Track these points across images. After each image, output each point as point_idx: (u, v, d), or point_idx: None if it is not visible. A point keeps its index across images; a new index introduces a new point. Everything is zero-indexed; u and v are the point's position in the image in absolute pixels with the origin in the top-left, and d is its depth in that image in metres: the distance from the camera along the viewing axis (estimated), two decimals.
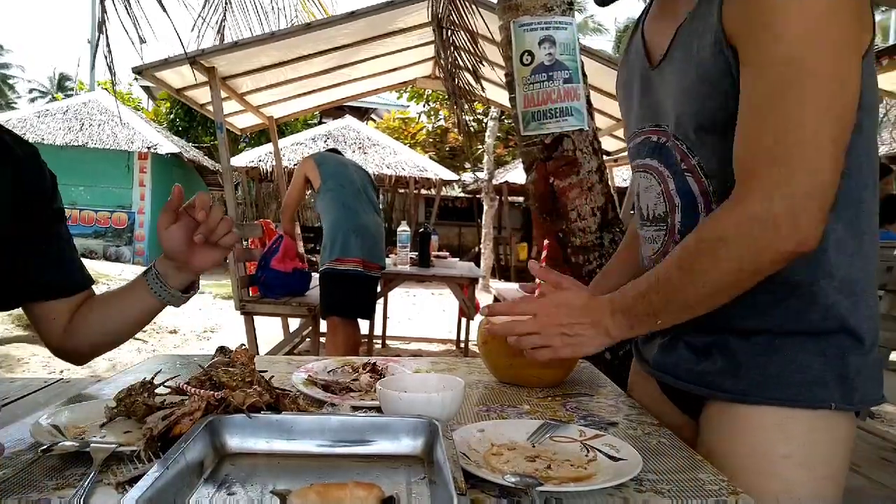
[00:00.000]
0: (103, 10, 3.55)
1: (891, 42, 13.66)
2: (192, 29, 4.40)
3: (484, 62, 3.63)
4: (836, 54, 0.77)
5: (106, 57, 3.61)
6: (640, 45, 1.05)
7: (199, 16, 4.54)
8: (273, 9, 5.28)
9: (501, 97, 5.87)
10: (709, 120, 0.89)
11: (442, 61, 3.68)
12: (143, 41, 3.54)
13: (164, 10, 3.52)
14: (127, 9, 3.56)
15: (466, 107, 4.00)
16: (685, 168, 0.96)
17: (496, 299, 6.03)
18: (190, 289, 1.13)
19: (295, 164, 10.93)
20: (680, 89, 0.93)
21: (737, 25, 0.82)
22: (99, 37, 3.55)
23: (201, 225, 1.02)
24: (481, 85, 3.87)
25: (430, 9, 3.54)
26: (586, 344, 0.95)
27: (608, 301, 0.94)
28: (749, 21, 0.80)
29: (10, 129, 1.11)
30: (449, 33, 3.57)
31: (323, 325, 4.42)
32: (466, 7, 3.50)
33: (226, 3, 4.93)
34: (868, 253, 0.90)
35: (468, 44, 3.55)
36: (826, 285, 0.88)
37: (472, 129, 14.67)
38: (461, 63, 3.62)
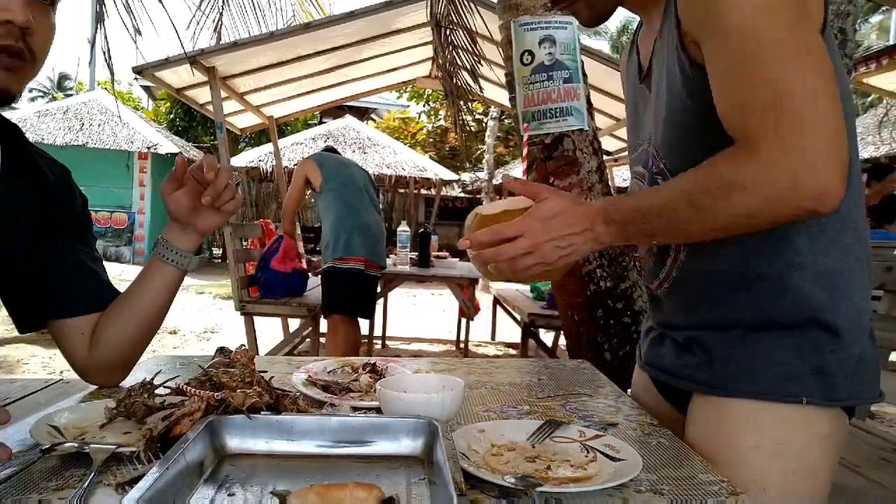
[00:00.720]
0: (102, 4, 3.54)
1: (890, 42, 13.66)
2: (188, 27, 4.39)
3: (483, 61, 3.63)
4: (794, 22, 0.78)
5: (104, 53, 3.60)
6: (636, 60, 1.08)
7: (196, 14, 4.54)
8: (269, 4, 5.28)
9: (501, 97, 5.87)
10: (679, 134, 0.92)
11: (440, 60, 3.67)
12: (138, 32, 3.54)
13: (163, 5, 3.52)
14: (126, 5, 3.56)
15: (465, 106, 4.00)
16: (655, 171, 1.00)
17: (496, 300, 6.02)
18: (199, 252, 1.14)
19: (295, 165, 10.97)
20: (661, 100, 0.96)
21: (692, 14, 0.84)
22: (96, 31, 3.54)
23: (210, 187, 1.03)
24: (479, 85, 3.87)
25: (428, 8, 3.54)
26: (579, 251, 0.93)
27: (601, 210, 0.91)
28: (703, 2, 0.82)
29: (43, 151, 1.12)
30: (447, 32, 3.57)
31: (323, 325, 4.42)
32: (465, 6, 3.50)
33: (223, 2, 4.93)
34: (850, 244, 0.89)
35: (467, 43, 3.55)
36: (797, 277, 0.88)
37: (471, 128, 14.68)
38: (459, 62, 3.62)
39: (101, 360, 1.11)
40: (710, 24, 0.81)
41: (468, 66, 3.63)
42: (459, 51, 3.62)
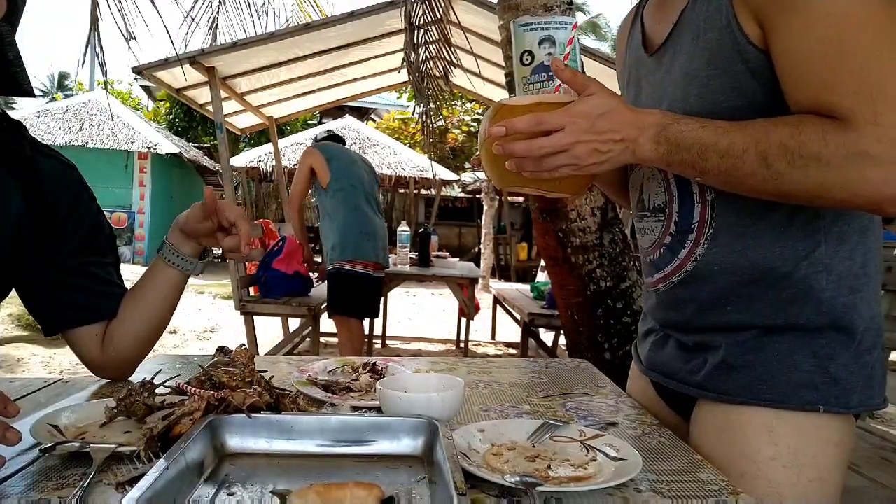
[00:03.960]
0: (96, 7, 3.54)
1: None
2: (181, 26, 4.39)
3: (478, 59, 3.62)
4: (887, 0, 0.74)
5: (97, 55, 3.60)
6: (639, 34, 1.04)
7: (192, 14, 4.54)
8: (264, 4, 5.27)
9: (501, 97, 5.86)
10: (712, 102, 0.86)
11: (412, 59, 3.64)
12: (132, 36, 3.54)
13: (156, 7, 3.52)
14: (119, 9, 3.56)
15: (435, 106, 3.96)
16: None
17: (496, 299, 6.02)
18: (204, 255, 1.18)
19: (295, 164, 10.96)
20: (683, 74, 0.90)
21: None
22: (90, 33, 3.54)
23: (237, 241, 1.07)
24: (449, 83, 3.83)
25: (402, 11, 3.51)
26: (614, 161, 0.84)
27: (657, 124, 0.82)
28: None
29: (52, 151, 1.12)
30: (420, 33, 3.54)
31: (323, 326, 4.43)
32: (439, 4, 3.46)
33: (220, 2, 4.93)
34: (872, 248, 0.88)
35: (441, 43, 3.51)
36: (822, 279, 0.85)
37: (470, 128, 14.67)
38: (432, 63, 3.58)
39: (114, 357, 1.14)
40: (788, 1, 0.77)
41: (444, 63, 3.59)
42: (433, 45, 3.59)
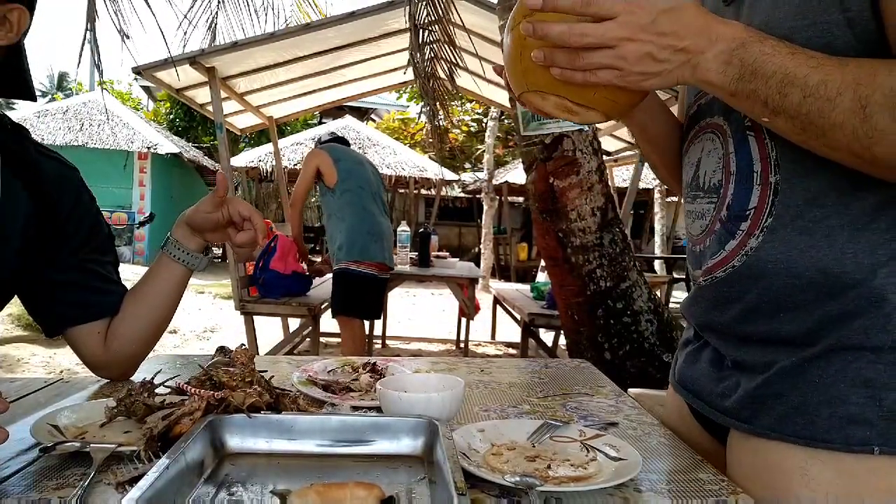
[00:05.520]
0: (93, 7, 3.54)
1: None
2: (180, 26, 4.39)
3: (478, 59, 3.62)
4: None
5: (94, 55, 3.60)
6: None
7: (192, 14, 4.54)
8: (264, 4, 5.27)
9: (501, 97, 5.87)
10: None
11: (416, 62, 3.65)
12: (127, 36, 3.54)
13: (150, 7, 3.53)
14: (116, 10, 3.57)
15: (442, 108, 3.97)
16: (748, 125, 0.78)
17: (496, 299, 6.02)
18: (207, 251, 1.19)
19: (295, 165, 10.99)
20: (764, 23, 0.73)
21: None
22: (86, 33, 3.54)
23: (252, 235, 1.10)
24: (454, 84, 3.83)
25: (406, 12, 3.52)
26: (667, 76, 0.68)
27: (736, 38, 0.66)
28: None
29: (53, 153, 1.12)
30: (425, 34, 3.55)
31: (323, 325, 4.42)
32: (443, 4, 3.47)
33: (219, 2, 4.93)
34: None
35: (444, 43, 3.53)
36: (895, 288, 0.69)
37: (470, 128, 14.68)
38: (437, 64, 3.59)
39: (116, 355, 1.14)
40: None
41: (448, 64, 3.60)
42: (439, 45, 3.60)
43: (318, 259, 4.72)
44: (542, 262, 4.78)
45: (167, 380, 0.97)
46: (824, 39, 0.68)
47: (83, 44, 3.52)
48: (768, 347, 0.77)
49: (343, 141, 4.10)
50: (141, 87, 19.22)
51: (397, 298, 8.90)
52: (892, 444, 0.68)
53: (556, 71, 0.70)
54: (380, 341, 5.98)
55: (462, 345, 5.80)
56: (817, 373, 0.73)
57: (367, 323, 4.38)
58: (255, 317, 4.28)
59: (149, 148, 12.10)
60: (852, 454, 0.70)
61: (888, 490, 0.69)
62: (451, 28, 3.61)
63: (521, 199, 15.37)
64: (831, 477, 0.71)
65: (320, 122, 15.70)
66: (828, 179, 0.72)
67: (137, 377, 1.17)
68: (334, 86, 5.76)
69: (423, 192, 15.18)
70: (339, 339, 4.40)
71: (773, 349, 0.77)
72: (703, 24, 0.67)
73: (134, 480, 0.68)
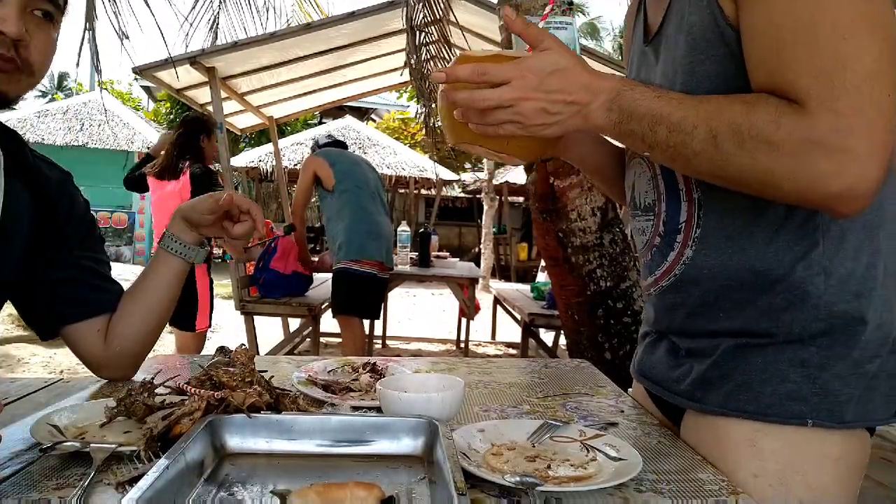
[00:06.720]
0: (92, 7, 3.54)
1: None
2: (181, 27, 4.39)
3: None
4: None
5: (93, 55, 3.60)
6: (642, 22, 0.99)
7: (192, 14, 4.54)
8: (265, 3, 5.27)
9: None
10: (699, 89, 0.80)
11: (413, 61, 3.66)
12: (126, 36, 3.54)
13: (149, 7, 3.53)
14: (115, 10, 3.57)
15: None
16: None
17: (496, 299, 6.02)
18: (203, 244, 1.20)
19: (295, 165, 10.99)
20: (670, 61, 0.86)
21: None
22: (84, 33, 3.54)
23: (249, 226, 1.14)
24: None
25: (404, 14, 3.53)
26: (563, 125, 0.79)
27: (612, 89, 0.77)
28: None
29: (44, 156, 1.13)
30: (421, 36, 3.56)
31: (323, 325, 4.43)
32: (440, 4, 3.48)
33: (220, 2, 4.93)
34: (882, 248, 0.80)
35: (441, 43, 3.53)
36: (820, 283, 0.78)
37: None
38: (435, 54, 3.60)
39: (116, 354, 1.14)
40: None
41: (442, 65, 3.62)
42: (434, 45, 3.61)
43: (316, 259, 4.72)
44: (543, 262, 4.79)
45: (167, 380, 0.97)
46: (720, 68, 0.79)
47: (82, 44, 3.52)
48: (716, 339, 0.86)
49: (339, 144, 4.15)
50: (141, 87, 19.23)
51: (397, 298, 8.90)
52: (822, 417, 0.79)
53: (472, 126, 0.81)
54: (380, 341, 5.98)
55: (462, 345, 5.80)
56: (761, 355, 0.82)
57: (367, 323, 4.39)
58: (255, 317, 4.28)
59: (149, 148, 12.10)
60: (791, 426, 0.80)
61: (820, 455, 0.80)
62: (448, 29, 3.61)
63: (521, 199, 15.37)
64: (778, 447, 0.81)
65: (320, 122, 15.70)
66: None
67: (137, 377, 1.17)
68: (334, 86, 5.77)
69: (424, 192, 15.17)
70: (339, 339, 4.41)
71: (721, 339, 0.85)
72: (586, 80, 0.78)
73: (134, 480, 0.68)
